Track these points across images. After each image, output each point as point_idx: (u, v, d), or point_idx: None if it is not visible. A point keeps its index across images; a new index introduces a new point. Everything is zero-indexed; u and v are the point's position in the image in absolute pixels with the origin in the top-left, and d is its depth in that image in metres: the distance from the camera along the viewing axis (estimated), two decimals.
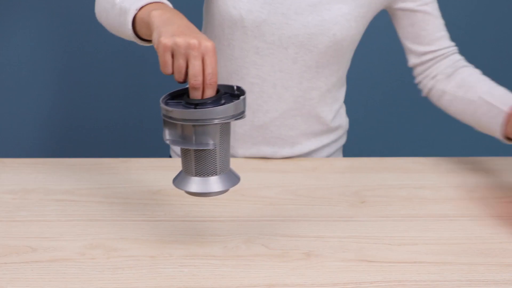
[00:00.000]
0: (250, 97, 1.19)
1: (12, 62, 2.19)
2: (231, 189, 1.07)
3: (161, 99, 0.83)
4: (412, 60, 1.24)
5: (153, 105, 2.27)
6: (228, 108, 0.81)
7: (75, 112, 2.28)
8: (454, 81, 1.21)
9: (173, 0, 1.17)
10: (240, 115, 0.83)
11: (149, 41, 0.97)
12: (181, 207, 1.01)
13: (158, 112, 2.26)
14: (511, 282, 0.83)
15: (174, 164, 1.18)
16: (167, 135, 0.83)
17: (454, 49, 1.25)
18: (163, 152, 2.04)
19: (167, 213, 0.99)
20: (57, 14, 2.15)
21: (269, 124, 1.21)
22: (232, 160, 1.22)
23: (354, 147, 2.34)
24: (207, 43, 0.80)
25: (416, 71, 1.26)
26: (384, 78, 2.31)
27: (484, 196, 1.09)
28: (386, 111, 2.38)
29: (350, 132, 2.33)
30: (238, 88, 0.85)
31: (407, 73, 2.08)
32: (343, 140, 1.35)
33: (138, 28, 0.95)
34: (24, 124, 2.28)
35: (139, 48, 2.24)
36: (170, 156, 1.40)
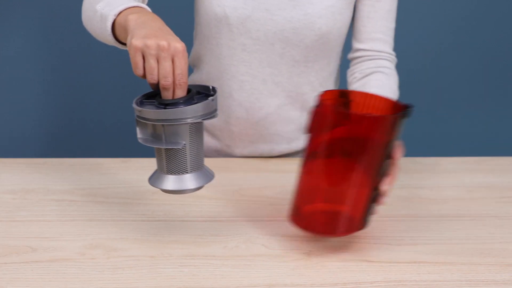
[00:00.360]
0: (242, 95, 1.20)
1: (12, 62, 2.19)
2: (231, 190, 1.07)
3: (134, 99, 0.85)
4: (349, 54, 1.24)
5: None
6: (197, 108, 0.82)
7: (75, 112, 2.28)
8: (360, 82, 1.19)
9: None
10: (210, 114, 0.84)
11: None
12: (181, 207, 1.01)
13: None
14: (511, 282, 0.83)
15: None
16: (139, 133, 0.85)
17: (387, 56, 1.21)
18: None
19: (167, 213, 0.99)
20: (57, 14, 2.15)
21: (264, 121, 1.21)
22: (231, 160, 1.22)
23: None
24: (177, 45, 0.82)
25: (350, 65, 1.25)
26: None
27: (484, 196, 1.09)
28: None
29: None
30: (213, 88, 0.87)
31: (407, 72, 2.08)
32: None
33: (117, 33, 0.97)
34: (24, 124, 2.28)
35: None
36: None
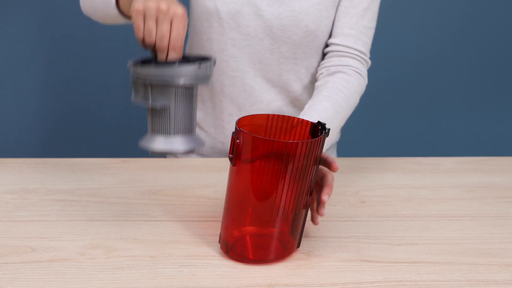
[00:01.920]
0: (233, 91, 1.21)
1: (12, 62, 2.19)
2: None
3: (132, 59, 0.87)
4: (324, 49, 1.22)
5: None
6: (183, 71, 0.84)
7: (75, 112, 2.28)
8: (321, 81, 1.15)
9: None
10: (197, 80, 0.85)
11: None
12: (181, 207, 1.01)
13: None
14: (511, 282, 0.83)
15: (174, 164, 1.18)
16: (132, 94, 0.87)
17: (357, 54, 1.17)
18: None
19: (167, 213, 0.99)
20: (57, 14, 2.15)
21: None
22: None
23: (354, 147, 2.34)
24: (177, 9, 0.85)
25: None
26: (384, 78, 2.31)
27: (484, 196, 1.09)
28: (386, 111, 2.38)
29: (350, 132, 2.34)
30: (211, 58, 0.88)
31: (407, 72, 2.09)
32: (336, 137, 1.36)
33: (121, 6, 0.99)
34: (24, 124, 2.28)
35: (140, 48, 2.24)
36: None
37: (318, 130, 0.86)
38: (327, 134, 0.84)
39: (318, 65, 1.23)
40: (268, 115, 0.89)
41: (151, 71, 0.83)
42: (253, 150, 0.80)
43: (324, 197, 0.87)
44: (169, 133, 0.86)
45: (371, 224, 0.98)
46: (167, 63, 0.85)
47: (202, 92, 1.26)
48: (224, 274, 0.83)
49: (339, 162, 1.23)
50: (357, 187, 1.11)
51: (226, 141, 1.26)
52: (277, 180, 0.80)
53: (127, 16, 1.02)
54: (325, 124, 0.86)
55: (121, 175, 1.13)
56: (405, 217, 1.01)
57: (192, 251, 0.89)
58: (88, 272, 0.83)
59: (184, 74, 0.84)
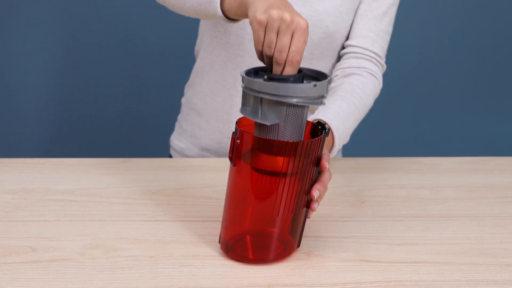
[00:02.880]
0: None
1: (12, 62, 2.19)
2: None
3: (246, 69, 0.84)
4: (340, 51, 1.22)
5: (153, 105, 2.27)
6: (297, 88, 0.78)
7: (75, 112, 2.28)
8: (336, 83, 1.15)
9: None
10: (309, 100, 0.79)
11: (236, 20, 0.97)
12: (181, 207, 1.01)
13: (159, 112, 2.27)
14: (511, 282, 0.83)
15: (174, 164, 1.18)
16: (241, 103, 0.83)
17: (373, 56, 1.17)
18: (163, 152, 2.04)
19: (167, 213, 0.99)
20: (57, 14, 2.15)
21: None
22: None
23: (354, 147, 2.34)
24: (300, 20, 0.79)
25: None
26: (384, 78, 2.31)
27: (484, 196, 1.09)
28: (386, 111, 2.38)
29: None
30: (327, 76, 0.83)
31: (408, 73, 2.09)
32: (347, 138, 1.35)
33: (227, 7, 0.94)
34: (24, 124, 2.28)
35: (139, 48, 2.24)
36: (170, 156, 1.40)
37: (318, 130, 0.86)
38: (327, 134, 0.84)
39: (333, 68, 1.22)
40: None
41: (264, 85, 0.79)
42: (253, 150, 0.80)
43: (314, 192, 0.84)
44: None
45: (371, 224, 0.98)
46: (281, 78, 0.80)
47: (213, 85, 1.24)
48: (224, 274, 0.83)
49: (340, 162, 1.23)
50: (357, 187, 1.11)
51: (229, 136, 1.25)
52: (277, 180, 0.80)
53: (230, 18, 0.97)
54: (325, 124, 0.85)
55: (121, 175, 1.13)
56: (405, 217, 1.01)
57: (192, 251, 0.89)
58: (88, 272, 0.83)
59: (299, 92, 0.79)
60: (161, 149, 2.09)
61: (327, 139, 1.00)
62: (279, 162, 0.79)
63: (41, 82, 2.21)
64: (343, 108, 1.05)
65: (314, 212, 1.00)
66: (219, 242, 0.88)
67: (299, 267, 0.85)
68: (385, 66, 1.21)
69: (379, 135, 2.40)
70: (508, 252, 0.91)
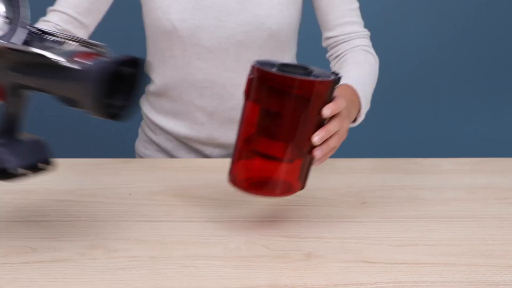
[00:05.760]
0: (203, 101, 1.22)
1: None
2: (231, 190, 1.07)
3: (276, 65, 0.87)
4: (323, 43, 1.25)
5: None
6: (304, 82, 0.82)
7: (75, 112, 2.28)
8: (338, 62, 1.20)
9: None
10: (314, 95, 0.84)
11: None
12: (182, 207, 1.01)
13: None
14: None
15: (175, 165, 1.18)
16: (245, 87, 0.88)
17: (359, 35, 1.22)
18: None
19: (168, 214, 0.99)
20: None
21: (230, 123, 1.23)
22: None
23: (354, 148, 2.34)
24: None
25: (328, 50, 1.27)
26: (384, 78, 2.31)
27: (485, 197, 1.09)
28: (387, 112, 2.38)
29: (351, 133, 2.34)
30: (341, 77, 0.87)
31: (407, 73, 2.09)
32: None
33: None
34: (25, 125, 2.28)
35: (139, 48, 2.24)
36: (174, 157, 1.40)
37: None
38: (337, 81, 0.85)
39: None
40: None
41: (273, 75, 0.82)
42: (265, 86, 0.83)
43: (314, 138, 0.85)
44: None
45: (372, 225, 0.98)
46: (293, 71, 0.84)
47: (172, 105, 1.26)
48: (224, 275, 0.83)
49: (340, 163, 1.23)
50: (358, 188, 1.11)
51: (202, 149, 1.27)
52: (286, 117, 0.82)
53: None
54: (338, 73, 0.87)
55: (122, 175, 1.13)
56: (406, 218, 1.01)
57: (193, 251, 0.89)
58: (88, 273, 0.83)
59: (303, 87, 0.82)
60: None
61: (354, 103, 1.04)
62: (289, 99, 0.82)
63: None
64: (359, 74, 1.08)
65: (314, 213, 1.01)
66: (228, 179, 0.90)
67: (299, 268, 0.85)
68: (369, 33, 1.25)
69: (380, 136, 2.40)
70: (509, 253, 0.91)
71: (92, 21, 1.19)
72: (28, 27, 0.76)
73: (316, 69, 0.88)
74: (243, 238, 0.93)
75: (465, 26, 2.26)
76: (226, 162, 1.21)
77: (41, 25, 1.18)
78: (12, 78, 0.75)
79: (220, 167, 1.18)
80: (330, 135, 0.88)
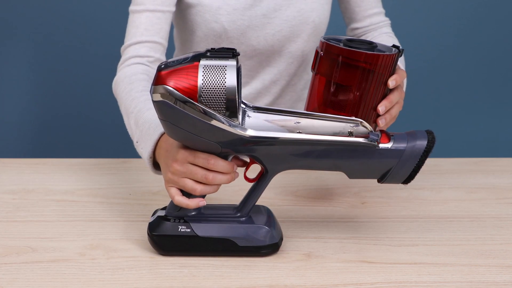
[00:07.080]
0: (243, 93, 1.22)
1: (14, 62, 2.19)
2: (231, 190, 1.07)
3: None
4: (348, 33, 1.29)
5: None
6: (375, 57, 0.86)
7: (75, 112, 2.28)
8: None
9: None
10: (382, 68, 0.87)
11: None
12: None
13: None
14: (511, 283, 0.83)
15: None
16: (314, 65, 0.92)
17: (384, 23, 1.26)
18: None
19: None
20: (53, 14, 2.15)
21: None
22: None
23: None
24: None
25: None
26: None
27: (484, 197, 1.09)
28: None
29: None
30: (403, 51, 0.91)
31: (407, 73, 2.06)
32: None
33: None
34: (24, 124, 2.28)
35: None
36: None
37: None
38: (401, 53, 0.89)
39: None
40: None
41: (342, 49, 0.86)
42: (332, 61, 0.87)
43: (380, 107, 0.90)
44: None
45: (372, 225, 0.98)
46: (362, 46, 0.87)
47: None
48: (224, 274, 0.83)
49: None
50: (358, 188, 1.11)
51: None
52: (353, 89, 0.87)
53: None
54: (400, 46, 0.90)
55: (121, 175, 1.13)
56: (406, 218, 1.01)
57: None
58: (88, 273, 0.83)
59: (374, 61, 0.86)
60: None
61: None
62: (354, 73, 0.86)
63: (41, 82, 2.21)
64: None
65: (314, 213, 1.01)
66: None
67: (299, 267, 0.85)
68: (390, 21, 1.29)
69: None
70: (508, 253, 0.91)
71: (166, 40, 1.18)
72: None
73: (378, 44, 0.91)
74: None
75: (465, 26, 2.26)
76: None
77: (134, 66, 1.19)
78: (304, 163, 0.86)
79: None
80: (393, 105, 0.92)
